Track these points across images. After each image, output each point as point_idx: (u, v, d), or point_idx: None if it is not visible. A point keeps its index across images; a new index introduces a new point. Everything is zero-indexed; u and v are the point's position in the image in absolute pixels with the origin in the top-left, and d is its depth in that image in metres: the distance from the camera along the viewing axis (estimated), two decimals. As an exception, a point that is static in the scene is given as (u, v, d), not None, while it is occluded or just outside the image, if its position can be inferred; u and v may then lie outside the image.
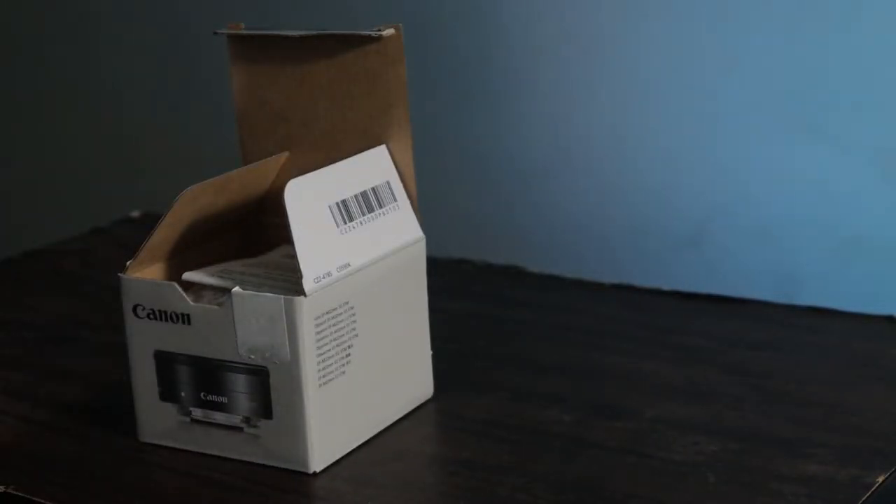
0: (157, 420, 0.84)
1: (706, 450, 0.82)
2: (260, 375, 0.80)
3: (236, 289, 0.80)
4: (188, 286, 0.84)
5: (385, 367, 0.85)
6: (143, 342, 0.83)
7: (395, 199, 0.86)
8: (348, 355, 0.82)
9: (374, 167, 0.86)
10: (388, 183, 0.86)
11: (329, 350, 0.80)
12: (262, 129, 0.91)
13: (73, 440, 0.87)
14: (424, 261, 0.88)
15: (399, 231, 0.86)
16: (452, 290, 1.08)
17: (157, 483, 0.81)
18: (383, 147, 0.87)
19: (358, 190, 0.84)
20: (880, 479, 0.77)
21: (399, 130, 0.87)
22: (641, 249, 1.28)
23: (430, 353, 0.90)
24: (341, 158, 0.85)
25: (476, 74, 1.33)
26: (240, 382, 0.81)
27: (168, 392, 0.83)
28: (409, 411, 0.88)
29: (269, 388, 0.80)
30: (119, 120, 1.63)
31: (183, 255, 0.87)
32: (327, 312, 0.80)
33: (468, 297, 1.07)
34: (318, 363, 0.80)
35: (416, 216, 0.88)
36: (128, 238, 1.22)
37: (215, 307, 0.81)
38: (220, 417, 0.82)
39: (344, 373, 0.82)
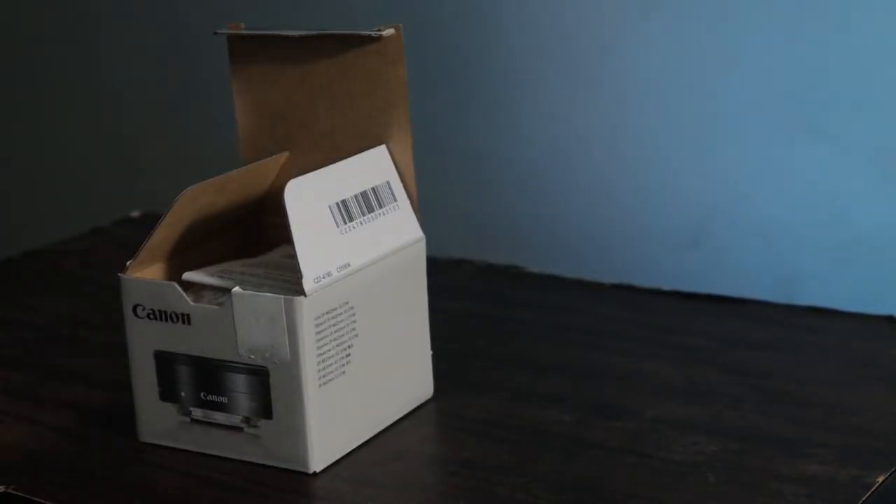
0: (157, 420, 0.84)
1: (706, 450, 0.82)
2: (260, 375, 0.80)
3: (236, 289, 0.80)
4: (188, 286, 0.84)
5: (385, 367, 0.85)
6: (143, 342, 0.83)
7: (395, 199, 0.86)
8: (348, 355, 0.82)
9: (374, 167, 0.86)
10: (388, 183, 0.86)
11: (329, 350, 0.80)
12: (262, 129, 0.91)
13: (73, 440, 0.87)
14: (424, 261, 0.88)
15: (399, 231, 0.86)
16: (452, 290, 1.08)
17: (157, 483, 0.81)
18: (383, 147, 0.87)
19: (358, 190, 0.84)
20: (880, 479, 0.77)
21: (399, 130, 0.87)
22: (641, 249, 1.28)
23: (430, 353, 0.90)
24: (341, 158, 0.85)
25: (476, 74, 1.33)
26: (240, 382, 0.81)
27: (168, 392, 0.83)
28: (409, 411, 0.88)
29: (269, 388, 0.80)
30: (119, 120, 1.63)
31: (183, 255, 0.87)
32: (327, 312, 0.80)
33: (468, 297, 1.07)
34: (318, 363, 0.80)
35: (416, 216, 0.88)
36: (128, 238, 1.22)
37: (215, 307, 0.81)
38: (220, 417, 0.82)
39: (344, 373, 0.82)
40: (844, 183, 1.17)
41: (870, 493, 0.76)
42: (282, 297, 0.78)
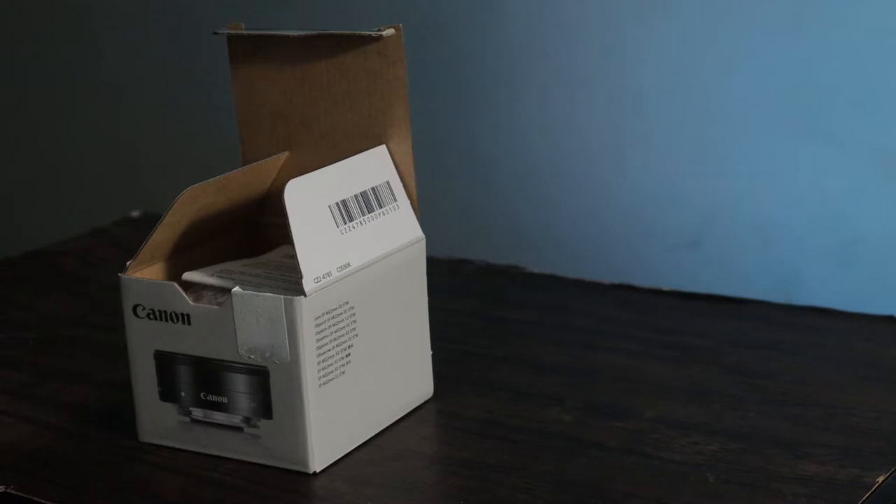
0: (157, 420, 0.84)
1: (706, 450, 0.82)
2: (260, 375, 0.80)
3: (236, 289, 0.80)
4: (188, 286, 0.84)
5: (385, 367, 0.85)
6: (143, 342, 0.83)
7: (395, 199, 0.86)
8: (348, 355, 0.82)
9: (374, 167, 0.86)
10: (388, 183, 0.86)
11: (329, 350, 0.80)
12: (262, 129, 0.91)
13: (73, 440, 0.87)
14: (424, 261, 0.88)
15: (399, 231, 0.86)
16: (452, 290, 1.08)
17: (157, 483, 0.81)
18: (383, 147, 0.87)
19: (358, 190, 0.84)
20: (880, 479, 0.77)
21: (399, 130, 0.87)
22: (641, 249, 1.28)
23: (430, 353, 0.90)
24: (341, 158, 0.85)
25: (476, 74, 1.33)
26: (240, 382, 0.81)
27: (168, 392, 0.83)
28: (409, 411, 0.88)
29: (269, 388, 0.80)
30: (119, 120, 1.63)
31: (183, 255, 0.87)
32: (327, 312, 0.80)
33: (468, 297, 1.07)
34: (318, 363, 0.80)
35: (416, 216, 0.88)
36: (128, 238, 1.22)
37: (215, 307, 0.81)
38: (220, 417, 0.82)
39: (344, 373, 0.82)
40: (844, 183, 1.17)
41: (870, 493, 0.76)
42: (282, 297, 0.78)
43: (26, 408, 0.92)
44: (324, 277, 0.79)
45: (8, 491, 0.81)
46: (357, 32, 0.86)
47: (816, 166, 1.18)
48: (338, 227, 0.82)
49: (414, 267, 0.87)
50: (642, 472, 0.80)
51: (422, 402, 0.89)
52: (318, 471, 0.81)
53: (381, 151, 0.87)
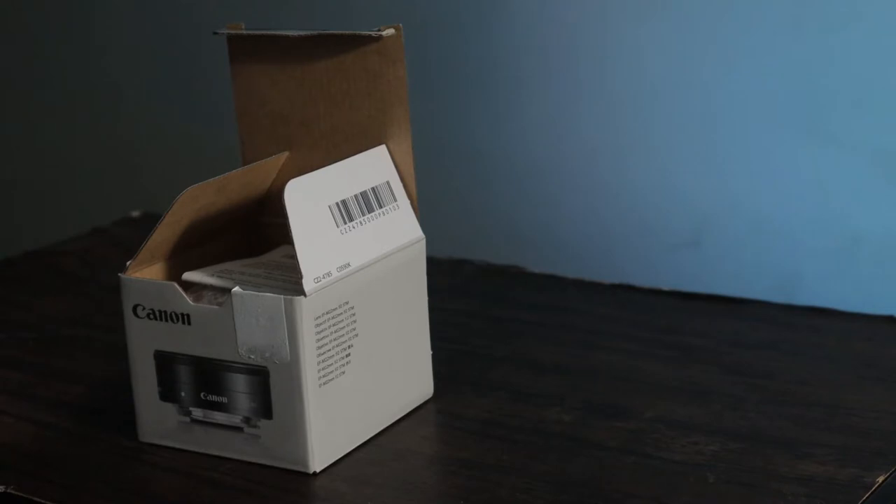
0: (157, 420, 0.84)
1: (706, 450, 0.82)
2: (260, 375, 0.80)
3: (236, 289, 0.80)
4: (188, 286, 0.84)
5: (385, 367, 0.85)
6: (143, 342, 0.83)
7: (395, 199, 0.86)
8: (348, 355, 0.82)
9: (374, 167, 0.86)
10: (388, 183, 0.86)
11: (329, 350, 0.80)
12: (262, 129, 0.91)
13: (73, 440, 0.87)
14: (424, 261, 0.88)
15: (399, 231, 0.86)
16: (452, 290, 1.08)
17: (157, 483, 0.81)
18: (383, 147, 0.87)
19: (358, 190, 0.84)
20: (880, 479, 0.77)
21: (399, 130, 0.87)
22: (641, 249, 1.28)
23: (430, 353, 0.90)
24: (341, 158, 0.85)
25: (476, 74, 1.33)
26: (240, 382, 0.81)
27: (168, 392, 0.83)
28: (409, 411, 0.88)
29: (269, 388, 0.80)
30: (119, 120, 1.63)
31: (183, 255, 0.87)
32: (327, 312, 0.80)
33: (468, 297, 1.07)
34: (318, 363, 0.80)
35: (416, 216, 0.88)
36: (128, 238, 1.22)
37: (215, 307, 0.81)
38: (220, 417, 0.82)
39: (344, 373, 0.82)
40: (844, 183, 1.17)
41: (870, 493, 0.76)
42: (282, 297, 0.78)
43: (26, 408, 0.92)
44: (324, 277, 0.79)
45: (8, 491, 0.81)
46: (357, 32, 0.86)
47: (816, 166, 1.18)
48: (338, 227, 0.82)
49: (414, 267, 0.87)
50: (642, 472, 0.80)
51: (422, 402, 0.89)
52: (318, 471, 0.81)
53: (381, 151, 0.87)
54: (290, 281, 0.82)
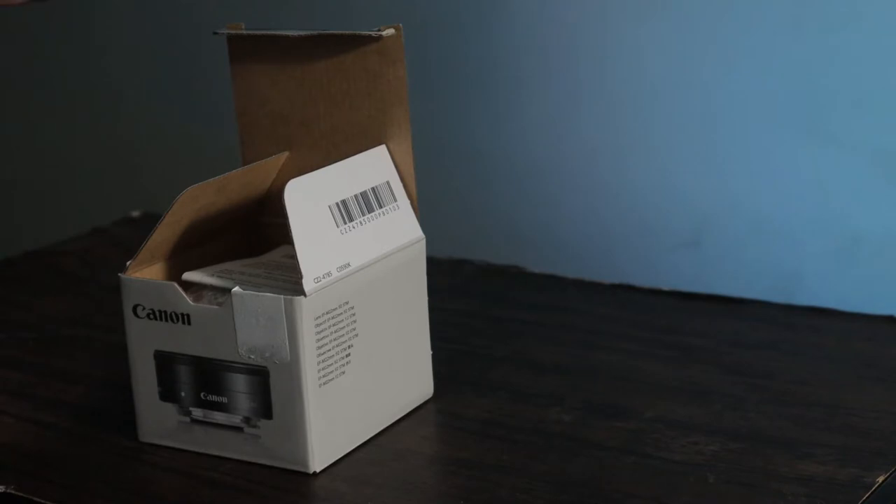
0: (157, 420, 0.84)
1: (706, 450, 0.82)
2: (260, 375, 0.80)
3: (236, 289, 0.80)
4: (188, 286, 0.84)
5: (385, 367, 0.85)
6: (143, 342, 0.83)
7: (395, 199, 0.86)
8: (348, 355, 0.82)
9: (374, 167, 0.86)
10: (388, 183, 0.86)
11: (329, 350, 0.80)
12: (262, 129, 0.91)
13: (73, 440, 0.87)
14: (424, 261, 0.88)
15: (399, 231, 0.86)
16: (452, 290, 1.08)
17: (157, 483, 0.81)
18: (383, 147, 0.87)
19: (358, 190, 0.84)
20: (880, 479, 0.77)
21: (399, 130, 0.87)
22: (641, 249, 1.28)
23: (430, 353, 0.90)
24: (341, 158, 0.85)
25: (476, 74, 1.33)
26: (240, 382, 0.81)
27: (168, 392, 0.83)
28: (409, 411, 0.88)
29: (269, 388, 0.80)
30: (119, 120, 1.63)
31: (183, 255, 0.87)
32: (327, 312, 0.80)
33: (468, 297, 1.07)
34: (318, 363, 0.80)
35: (416, 216, 0.88)
36: (128, 238, 1.22)
37: (215, 307, 0.81)
38: (220, 417, 0.82)
39: (344, 373, 0.82)
40: (844, 183, 1.17)
41: (870, 493, 0.76)
42: (282, 297, 0.78)
43: (26, 408, 0.92)
44: (324, 277, 0.79)
45: (8, 491, 0.81)
46: (357, 32, 0.86)
47: (816, 166, 1.18)
48: (338, 227, 0.82)
49: (414, 267, 0.87)
50: (642, 472, 0.80)
51: (422, 402, 0.89)
52: (318, 471, 0.81)
53: (381, 151, 0.87)
54: (290, 281, 0.82)
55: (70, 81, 1.66)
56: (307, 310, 0.78)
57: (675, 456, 0.81)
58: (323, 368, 0.80)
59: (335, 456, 0.82)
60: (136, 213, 1.30)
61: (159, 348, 0.83)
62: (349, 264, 0.81)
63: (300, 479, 0.81)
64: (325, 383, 0.80)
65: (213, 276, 0.85)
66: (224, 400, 0.82)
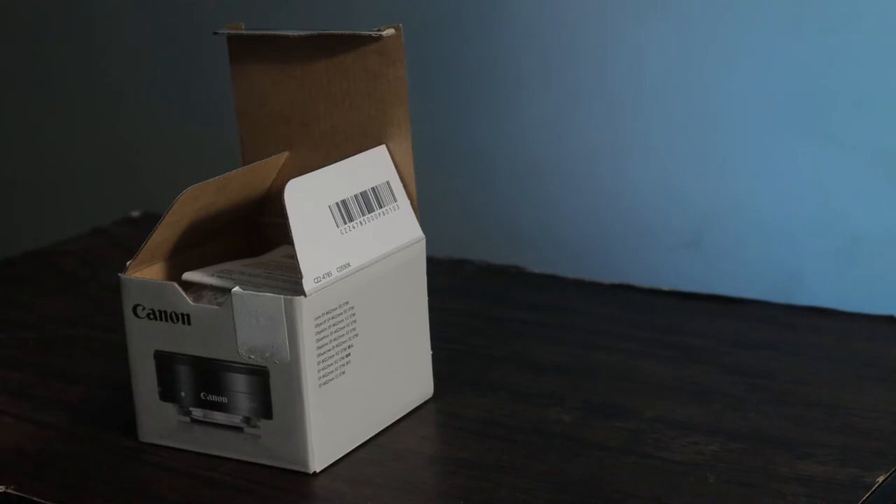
0: (157, 420, 0.84)
1: (706, 450, 0.82)
2: (260, 375, 0.80)
3: (236, 289, 0.80)
4: (188, 286, 0.84)
5: (385, 367, 0.85)
6: (143, 342, 0.83)
7: (395, 199, 0.86)
8: (348, 355, 0.82)
9: (374, 167, 0.86)
10: (388, 183, 0.86)
11: (329, 350, 0.80)
12: (262, 129, 0.91)
13: (73, 440, 0.87)
14: (424, 261, 0.88)
15: (399, 231, 0.86)
16: (452, 290, 1.08)
17: (157, 483, 0.81)
18: (383, 147, 0.87)
19: (358, 190, 0.84)
20: (880, 479, 0.77)
21: (399, 130, 0.87)
22: (641, 249, 1.28)
23: (430, 353, 0.90)
24: (341, 158, 0.85)
25: (476, 74, 1.33)
26: (240, 382, 0.81)
27: (168, 392, 0.83)
28: (409, 411, 0.88)
29: (269, 388, 0.80)
30: (119, 120, 1.63)
31: (183, 255, 0.87)
32: (327, 312, 0.80)
33: (468, 297, 1.07)
34: (318, 363, 0.80)
35: (416, 216, 0.88)
36: (128, 238, 1.22)
37: (215, 307, 0.81)
38: (220, 417, 0.82)
39: (344, 373, 0.82)
40: (844, 183, 1.17)
41: (870, 493, 0.76)
42: (282, 297, 0.78)
43: (26, 408, 0.92)
44: (324, 277, 0.79)
45: (8, 491, 0.81)
46: (357, 32, 0.86)
47: (816, 166, 1.18)
48: (338, 227, 0.82)
49: (414, 267, 0.87)
50: (642, 472, 0.80)
51: (422, 402, 0.89)
52: (318, 471, 0.81)
53: (381, 151, 0.87)
54: (290, 281, 0.82)
55: (70, 81, 1.66)
56: (307, 310, 0.78)
57: (675, 456, 0.81)
58: (323, 368, 0.80)
59: (335, 456, 0.82)
60: (136, 213, 1.30)
61: (159, 348, 0.83)
62: (349, 264, 0.81)
63: (300, 479, 0.81)
64: (325, 383, 0.80)
65: (213, 276, 0.85)
66: (224, 400, 0.82)
